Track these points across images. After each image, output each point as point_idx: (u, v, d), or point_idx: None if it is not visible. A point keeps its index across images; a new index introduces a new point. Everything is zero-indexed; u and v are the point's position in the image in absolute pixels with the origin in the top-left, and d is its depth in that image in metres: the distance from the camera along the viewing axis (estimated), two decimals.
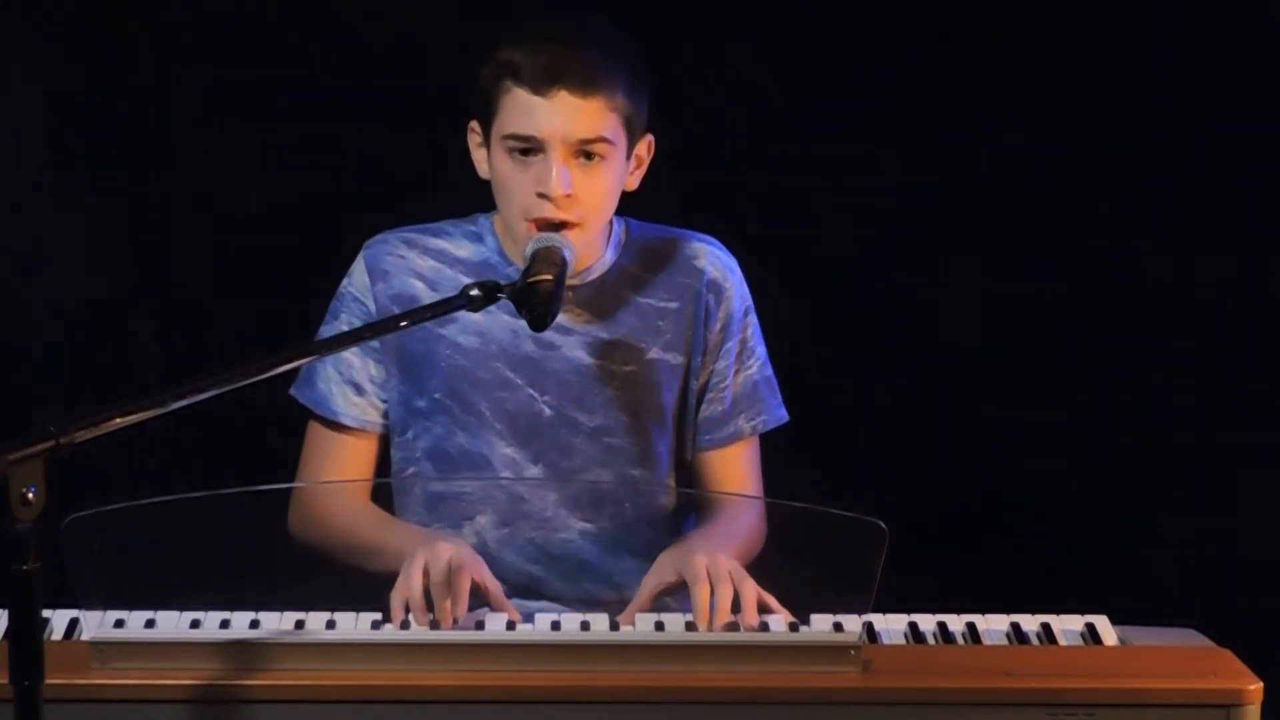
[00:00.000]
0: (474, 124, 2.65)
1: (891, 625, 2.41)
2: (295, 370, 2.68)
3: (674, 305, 2.73)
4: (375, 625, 2.32)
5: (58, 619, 2.36)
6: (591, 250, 2.70)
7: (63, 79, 3.39)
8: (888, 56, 3.42)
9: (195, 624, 2.31)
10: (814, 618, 2.36)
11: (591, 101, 2.56)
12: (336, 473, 2.72)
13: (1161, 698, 2.21)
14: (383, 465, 2.75)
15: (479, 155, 2.66)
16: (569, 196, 2.57)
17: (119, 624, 2.28)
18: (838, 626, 2.29)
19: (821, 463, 2.88)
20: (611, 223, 2.74)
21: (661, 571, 2.49)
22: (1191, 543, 3.49)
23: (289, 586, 2.37)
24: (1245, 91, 3.42)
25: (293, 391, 2.75)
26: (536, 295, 2.40)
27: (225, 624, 2.31)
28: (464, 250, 2.73)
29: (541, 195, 2.57)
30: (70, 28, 3.38)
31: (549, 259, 2.48)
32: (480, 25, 2.67)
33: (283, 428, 3.25)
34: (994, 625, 2.41)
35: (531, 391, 2.70)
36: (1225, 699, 2.20)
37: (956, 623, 2.41)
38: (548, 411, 2.70)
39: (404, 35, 3.37)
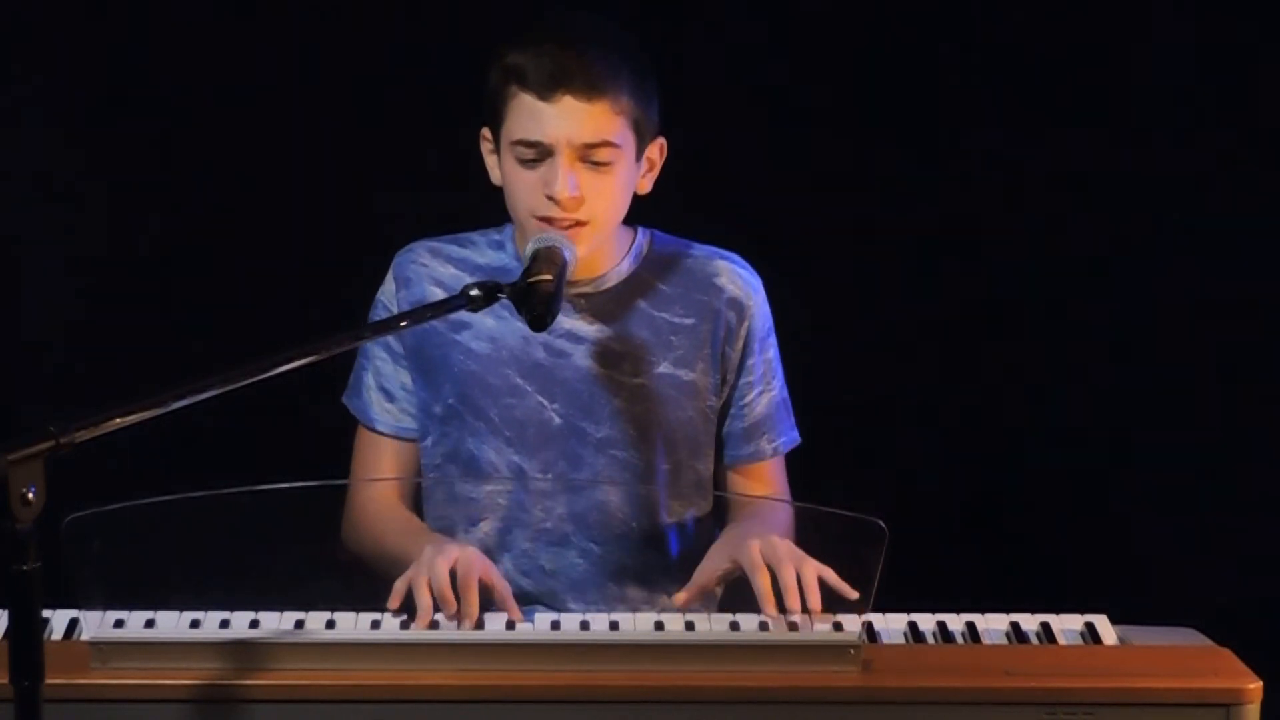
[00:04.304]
0: (485, 131, 2.66)
1: (891, 625, 2.41)
2: (298, 372, 2.68)
3: (689, 321, 2.72)
4: (375, 625, 2.32)
5: (58, 619, 2.36)
6: (603, 255, 2.70)
7: (69, 78, 3.39)
8: (899, 59, 3.43)
9: (195, 624, 2.31)
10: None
11: (597, 105, 2.56)
12: (375, 478, 2.75)
13: (1161, 697, 2.21)
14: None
15: (491, 162, 2.66)
16: (576, 199, 2.56)
17: (119, 624, 2.28)
18: (837, 626, 2.30)
19: (821, 462, 2.87)
20: (636, 233, 2.75)
21: (716, 560, 2.49)
22: (1191, 543, 3.49)
23: (289, 586, 2.37)
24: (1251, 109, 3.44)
25: (343, 400, 2.78)
26: (536, 295, 2.40)
27: (225, 624, 2.31)
28: (485, 257, 2.74)
29: (549, 198, 2.57)
30: (79, 26, 3.38)
31: (550, 259, 2.47)
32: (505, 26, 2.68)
33: (287, 427, 3.28)
34: (994, 625, 2.41)
35: (541, 399, 2.70)
36: (1225, 698, 2.20)
37: (956, 622, 2.41)
38: (557, 420, 2.70)
39: (428, 36, 3.38)
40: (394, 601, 2.36)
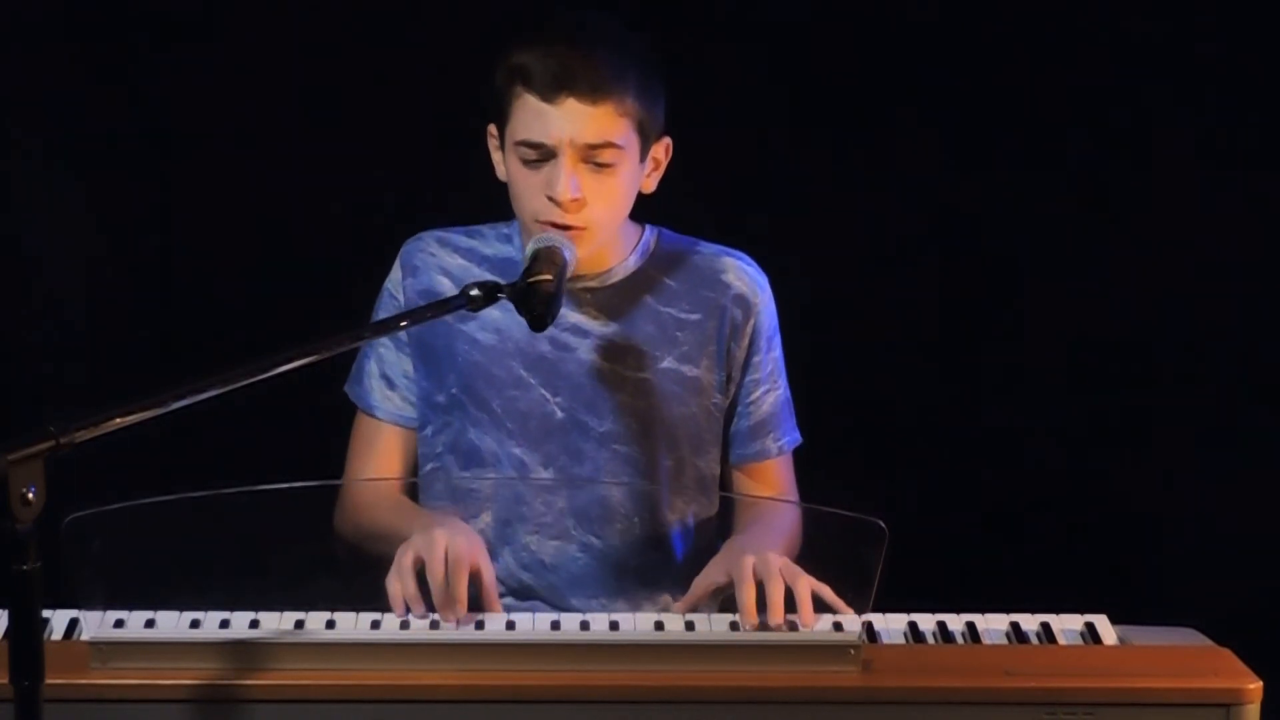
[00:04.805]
0: (491, 128, 2.66)
1: (891, 625, 2.41)
2: (298, 371, 2.68)
3: (695, 318, 2.72)
4: (375, 625, 2.32)
5: (58, 619, 2.36)
6: (611, 250, 2.70)
7: (74, 75, 3.39)
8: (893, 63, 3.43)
9: (195, 624, 2.31)
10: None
11: (601, 107, 2.56)
12: (374, 466, 2.76)
13: (1161, 697, 2.21)
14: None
15: (497, 158, 2.67)
16: (578, 200, 2.56)
17: (119, 624, 2.28)
18: (838, 626, 2.30)
19: (821, 462, 2.87)
20: (644, 229, 2.75)
21: (712, 574, 2.48)
22: (1191, 543, 3.49)
23: (289, 586, 2.37)
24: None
25: (345, 389, 2.79)
26: (537, 295, 2.40)
27: (225, 624, 2.31)
28: (492, 248, 2.74)
29: (551, 199, 2.57)
30: (81, 25, 3.38)
31: (550, 259, 2.47)
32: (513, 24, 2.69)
33: (287, 426, 3.28)
34: (994, 625, 2.41)
35: (544, 392, 2.70)
36: (1225, 699, 2.20)
37: (956, 622, 2.42)
38: (559, 414, 2.70)
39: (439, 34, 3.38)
40: (398, 609, 2.37)
